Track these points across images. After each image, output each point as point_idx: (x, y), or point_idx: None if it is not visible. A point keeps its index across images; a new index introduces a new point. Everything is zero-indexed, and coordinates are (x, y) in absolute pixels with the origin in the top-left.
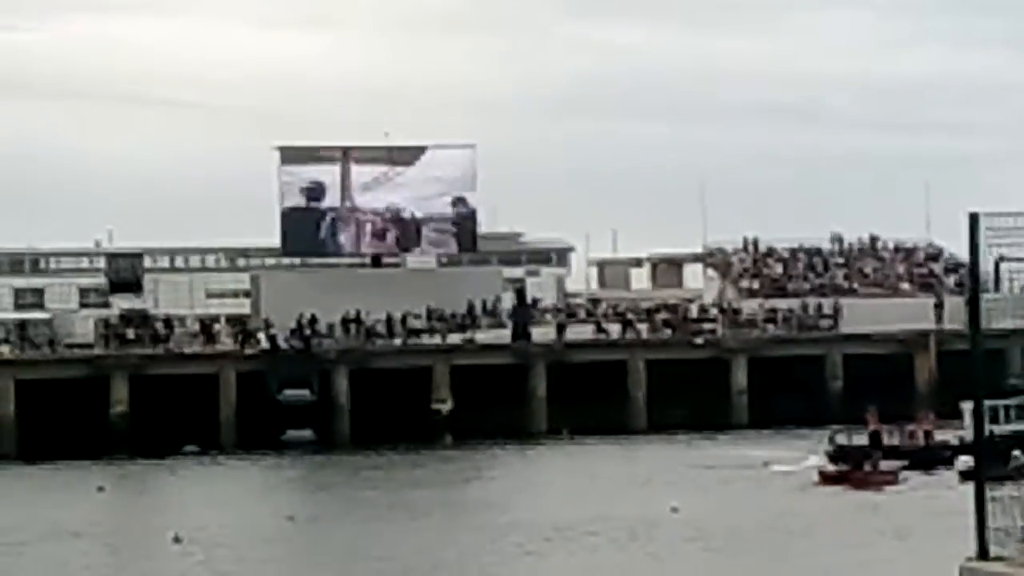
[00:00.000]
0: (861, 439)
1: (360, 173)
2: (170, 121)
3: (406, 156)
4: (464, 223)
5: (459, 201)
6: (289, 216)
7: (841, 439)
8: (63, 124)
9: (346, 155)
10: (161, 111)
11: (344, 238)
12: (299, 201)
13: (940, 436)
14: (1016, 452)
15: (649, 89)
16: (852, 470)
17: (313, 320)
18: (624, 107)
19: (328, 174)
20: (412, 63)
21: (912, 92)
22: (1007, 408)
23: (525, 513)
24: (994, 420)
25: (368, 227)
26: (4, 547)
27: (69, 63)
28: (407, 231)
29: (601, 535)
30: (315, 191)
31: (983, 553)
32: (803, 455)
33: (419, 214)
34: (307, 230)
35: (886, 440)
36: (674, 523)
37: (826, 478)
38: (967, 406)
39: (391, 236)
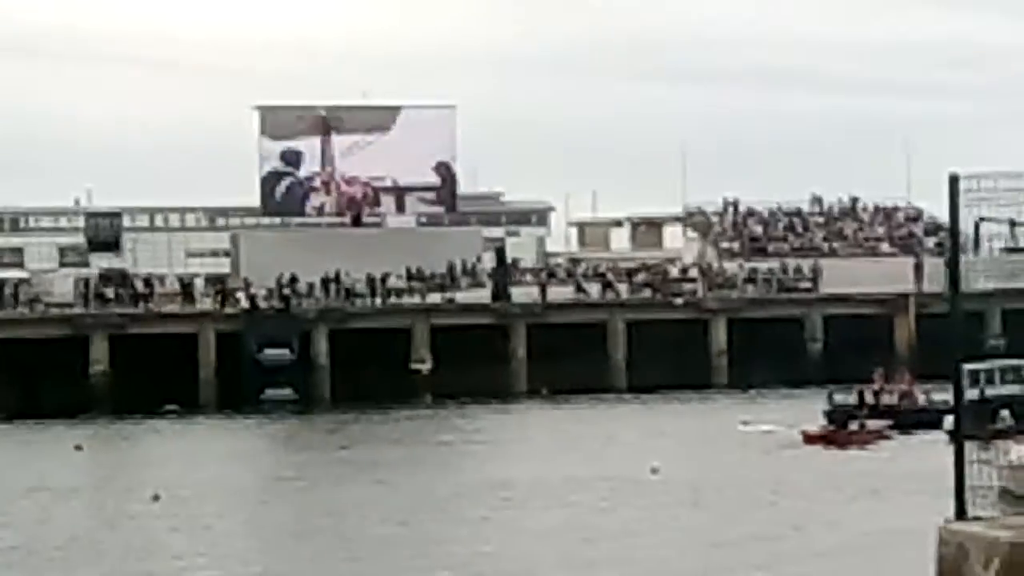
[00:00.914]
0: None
1: (339, 141)
2: (151, 80)
3: (385, 119)
4: (445, 188)
5: (441, 165)
6: (267, 180)
7: (839, 398)
8: (43, 83)
9: (326, 125)
10: (142, 70)
11: (316, 204)
12: (277, 165)
13: (937, 396)
14: (1004, 413)
15: (632, 51)
16: (836, 430)
17: (293, 280)
18: (607, 68)
19: (306, 145)
20: (395, 23)
21: (895, 55)
22: (1003, 371)
23: (504, 473)
24: (989, 382)
25: (344, 196)
26: None
27: (50, 22)
28: (385, 200)
29: (580, 495)
30: (291, 157)
31: (961, 513)
32: (785, 417)
33: (400, 182)
34: (279, 195)
35: (885, 400)
36: (654, 483)
37: (810, 438)
38: (969, 367)
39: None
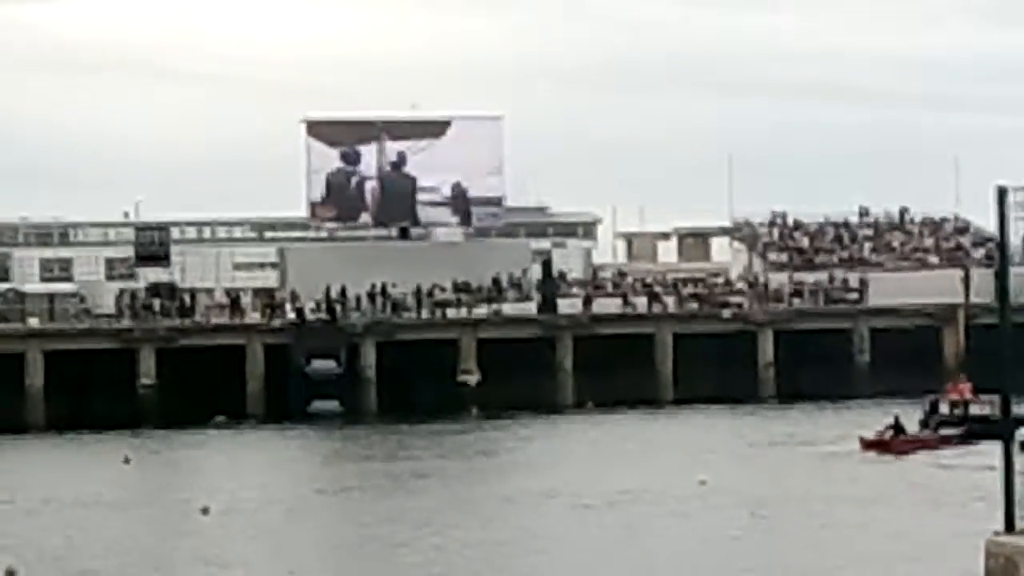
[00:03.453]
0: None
1: (391, 149)
2: (198, 94)
3: (434, 129)
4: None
5: (456, 186)
6: (335, 176)
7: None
8: (91, 97)
9: (382, 135)
10: (189, 84)
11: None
12: (340, 164)
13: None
14: None
15: (679, 64)
16: (894, 437)
17: (342, 292)
18: (654, 81)
19: (364, 150)
20: (439, 36)
21: (944, 68)
22: None
23: (551, 485)
24: None
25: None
26: (31, 517)
27: (99, 37)
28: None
29: (629, 507)
30: (352, 156)
31: (1010, 526)
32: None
33: (449, 194)
34: (346, 191)
35: (977, 410)
36: (702, 495)
37: (867, 444)
38: None
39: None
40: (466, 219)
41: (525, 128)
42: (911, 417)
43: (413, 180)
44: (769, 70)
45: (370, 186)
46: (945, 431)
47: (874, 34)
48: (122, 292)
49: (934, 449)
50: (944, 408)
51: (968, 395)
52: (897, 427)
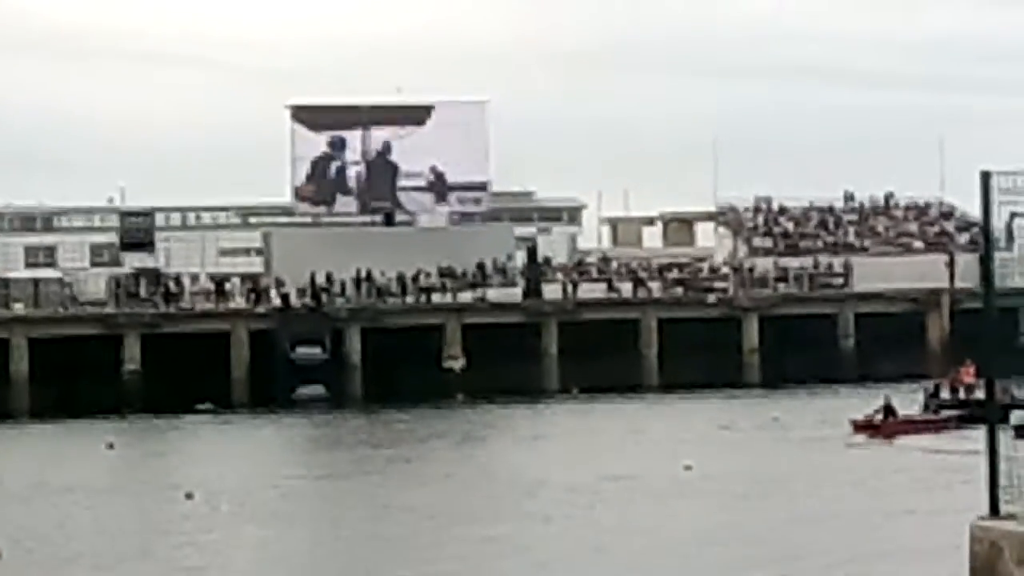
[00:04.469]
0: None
1: (376, 134)
2: (183, 79)
3: (418, 115)
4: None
5: (434, 169)
6: (318, 163)
7: (944, 393)
8: (76, 82)
9: (366, 121)
10: (173, 69)
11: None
12: (325, 150)
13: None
14: None
15: (664, 46)
16: (884, 419)
17: (328, 278)
18: (638, 64)
19: (348, 136)
20: (426, 19)
21: (930, 50)
22: None
23: (537, 471)
24: None
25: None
26: (15, 502)
27: (83, 21)
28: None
29: (614, 492)
30: (337, 142)
31: (994, 510)
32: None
33: (432, 177)
34: (326, 176)
35: (979, 395)
36: (687, 481)
37: (858, 427)
38: None
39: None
40: (444, 199)
41: (515, 112)
42: (897, 401)
43: (395, 167)
44: (752, 53)
45: (354, 171)
46: (944, 415)
47: (858, 16)
48: (111, 278)
49: (925, 432)
50: (945, 393)
51: (970, 380)
52: (888, 409)
